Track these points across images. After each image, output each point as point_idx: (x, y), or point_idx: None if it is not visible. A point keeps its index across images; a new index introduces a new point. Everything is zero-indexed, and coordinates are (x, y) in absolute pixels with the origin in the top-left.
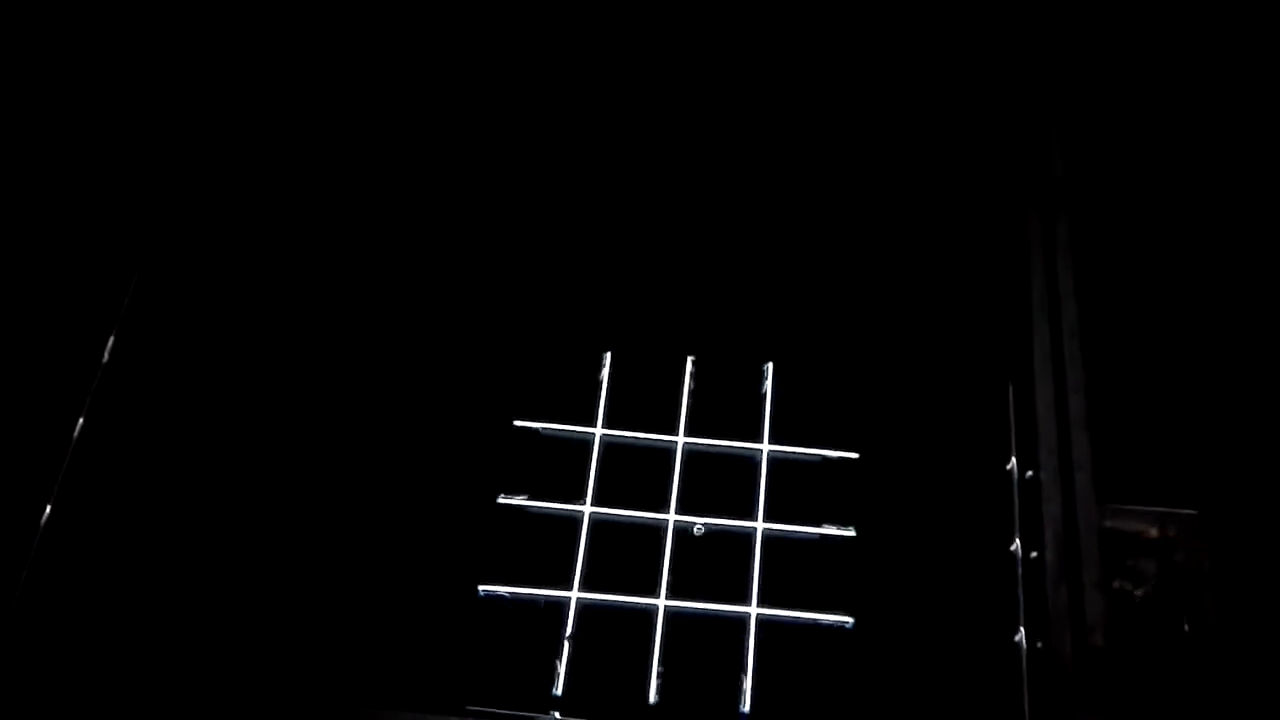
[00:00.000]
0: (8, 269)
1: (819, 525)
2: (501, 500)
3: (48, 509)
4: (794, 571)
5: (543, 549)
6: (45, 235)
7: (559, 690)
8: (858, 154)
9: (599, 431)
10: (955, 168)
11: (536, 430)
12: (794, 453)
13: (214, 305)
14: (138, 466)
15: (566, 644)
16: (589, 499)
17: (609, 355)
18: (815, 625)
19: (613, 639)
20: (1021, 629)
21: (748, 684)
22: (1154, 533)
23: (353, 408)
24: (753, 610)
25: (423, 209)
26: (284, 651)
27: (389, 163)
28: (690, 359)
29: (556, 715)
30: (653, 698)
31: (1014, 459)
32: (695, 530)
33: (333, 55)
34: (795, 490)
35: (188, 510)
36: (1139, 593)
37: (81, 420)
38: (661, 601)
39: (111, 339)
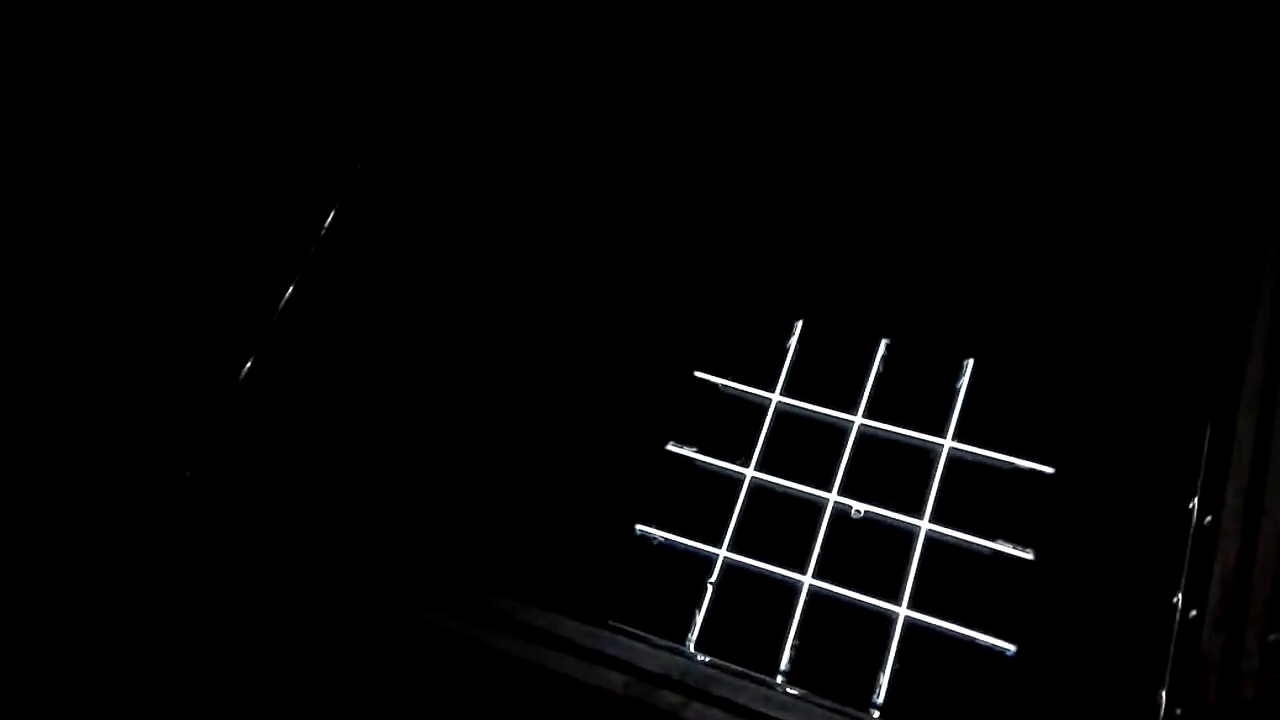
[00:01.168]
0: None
1: (992, 539)
2: (670, 448)
3: (248, 364)
4: (953, 579)
5: (702, 502)
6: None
7: (694, 636)
8: (1090, 152)
9: (776, 398)
10: (1193, 180)
11: (716, 385)
12: (979, 455)
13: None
14: (335, 357)
15: (710, 588)
16: (754, 463)
17: (800, 323)
18: (971, 643)
19: (753, 604)
20: (1164, 690)
21: (884, 679)
22: None
23: (540, 346)
24: (902, 610)
25: (630, 169)
26: (450, 553)
27: (606, 107)
28: (885, 341)
29: (692, 645)
30: (784, 665)
31: (1196, 500)
32: (854, 513)
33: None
34: (971, 496)
35: (373, 416)
36: None
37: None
38: (807, 579)
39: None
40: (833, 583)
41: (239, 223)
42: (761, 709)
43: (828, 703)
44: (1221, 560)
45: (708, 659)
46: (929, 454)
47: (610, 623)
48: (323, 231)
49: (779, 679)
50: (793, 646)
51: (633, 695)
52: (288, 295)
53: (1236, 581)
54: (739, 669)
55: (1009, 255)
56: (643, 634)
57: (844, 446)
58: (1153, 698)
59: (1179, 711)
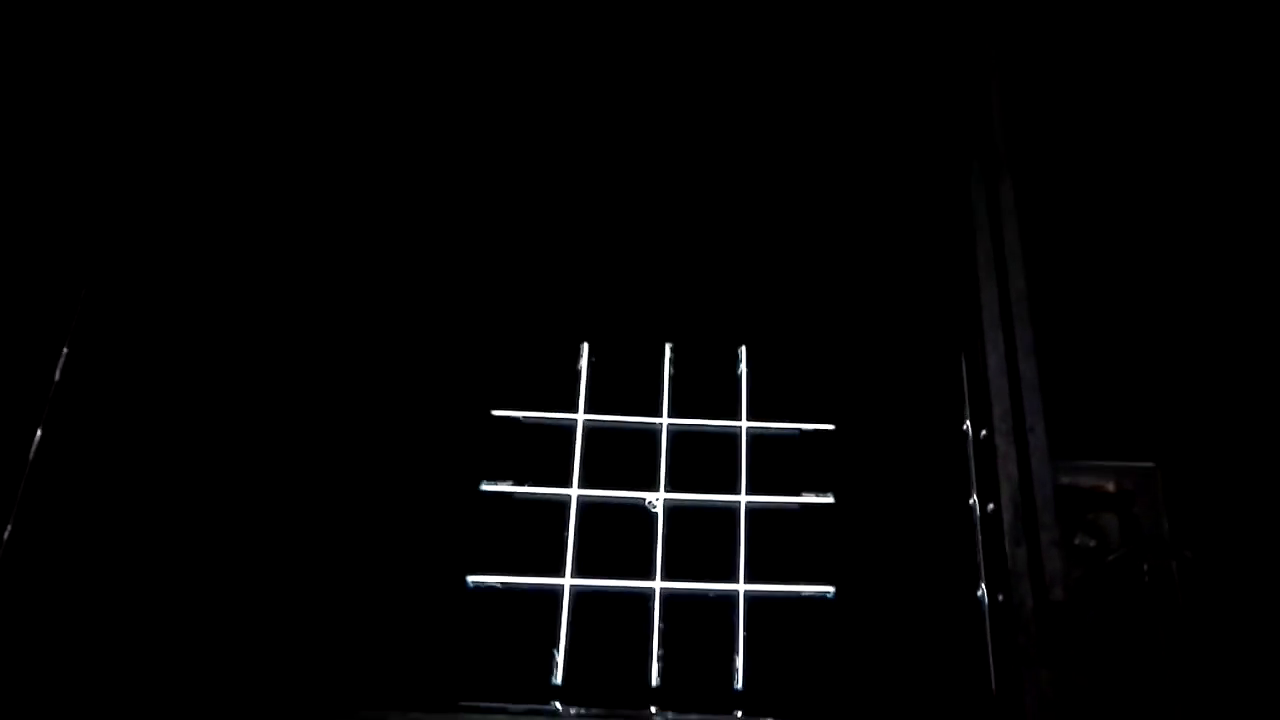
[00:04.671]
0: None
1: (799, 494)
2: (485, 487)
3: (8, 528)
4: (774, 541)
5: (531, 536)
6: None
7: (558, 679)
8: (796, 132)
9: (581, 417)
10: (898, 134)
11: (517, 419)
12: (771, 428)
13: (173, 300)
14: (102, 472)
15: (564, 622)
16: (575, 482)
17: (586, 345)
18: (798, 597)
19: (608, 624)
20: (983, 584)
21: (739, 662)
22: (1111, 486)
23: (327, 404)
24: (740, 587)
25: (391, 203)
26: (266, 653)
27: (355, 150)
28: (669, 345)
29: (558, 705)
30: (655, 680)
31: (968, 421)
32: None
33: (289, 37)
34: (775, 465)
35: (157, 514)
36: (1095, 544)
37: (40, 433)
38: (657, 584)
39: (65, 350)
40: (679, 580)
41: None
42: None
43: (703, 717)
44: (1005, 478)
45: (581, 711)
46: (733, 437)
47: (465, 703)
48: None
49: (652, 709)
50: (659, 659)
51: None
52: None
53: (1023, 495)
54: (614, 713)
55: (756, 243)
56: (507, 706)
57: (659, 449)
58: (973, 595)
59: (1000, 598)
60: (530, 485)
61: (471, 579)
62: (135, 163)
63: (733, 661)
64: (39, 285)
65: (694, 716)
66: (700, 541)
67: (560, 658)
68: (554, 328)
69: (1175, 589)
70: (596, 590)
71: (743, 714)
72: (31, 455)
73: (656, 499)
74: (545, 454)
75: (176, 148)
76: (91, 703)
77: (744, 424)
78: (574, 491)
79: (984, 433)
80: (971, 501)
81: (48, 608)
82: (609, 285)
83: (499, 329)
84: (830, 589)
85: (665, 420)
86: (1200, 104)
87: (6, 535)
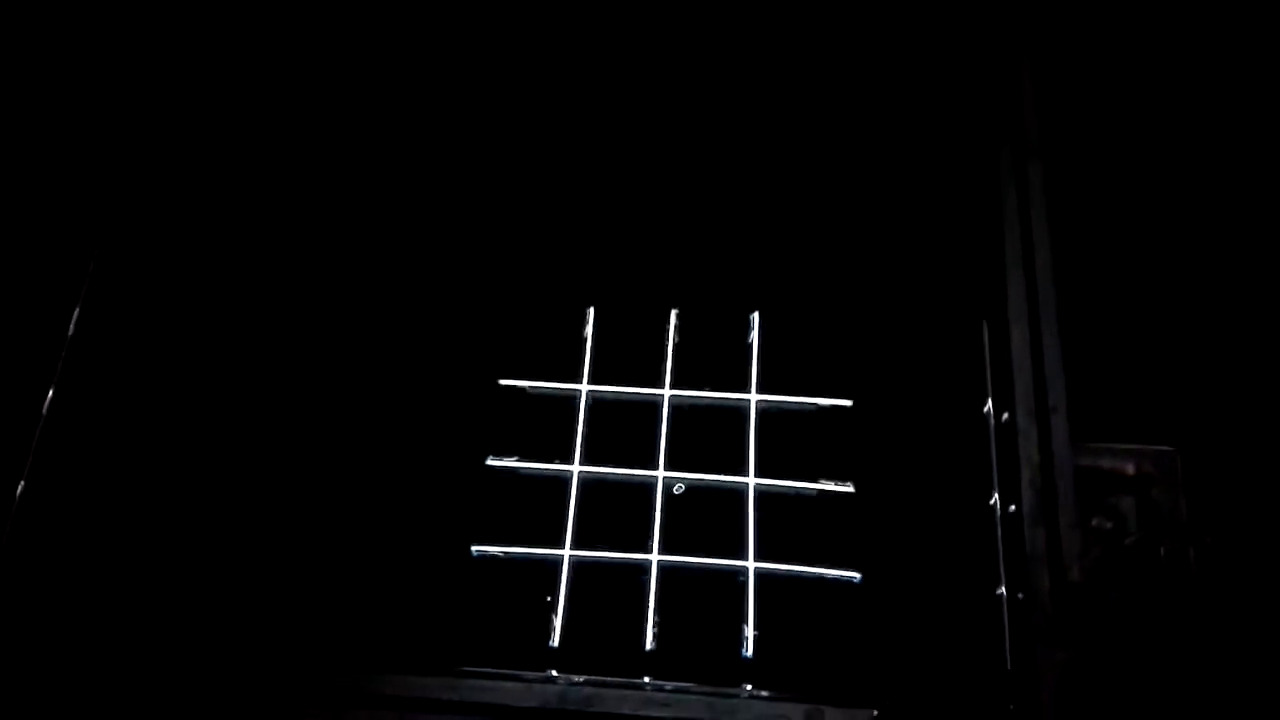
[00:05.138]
0: None
1: (813, 480)
2: (490, 462)
3: (20, 484)
4: (788, 522)
5: (534, 508)
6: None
7: (555, 642)
8: (831, 100)
9: (585, 388)
10: (929, 109)
11: (523, 389)
12: (784, 402)
13: (181, 272)
14: (113, 433)
15: (562, 591)
16: (577, 458)
17: (592, 311)
18: (819, 579)
19: (608, 595)
20: (1003, 580)
21: (749, 631)
22: (1130, 469)
23: (332, 377)
24: (750, 564)
25: (398, 171)
26: (272, 617)
27: (362, 119)
28: (674, 311)
29: (554, 673)
30: (649, 645)
31: (990, 402)
32: (676, 489)
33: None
34: (786, 440)
35: (165, 481)
36: (1113, 526)
37: (51, 393)
38: (655, 557)
39: (77, 311)
40: (681, 554)
41: None
42: (641, 713)
43: (706, 688)
44: (1025, 460)
45: (580, 679)
46: (740, 411)
47: (467, 668)
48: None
49: (646, 680)
50: (655, 625)
51: None
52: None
53: (1043, 478)
54: (612, 679)
55: (772, 206)
56: (506, 671)
57: (660, 421)
58: (993, 592)
59: (1020, 596)
60: (534, 459)
61: (475, 548)
62: (143, 130)
63: (742, 631)
64: (50, 254)
65: (706, 688)
66: (706, 519)
67: (557, 626)
68: (558, 294)
69: (1192, 573)
70: (595, 562)
71: (749, 685)
72: (44, 413)
73: (662, 478)
74: (550, 422)
75: (183, 116)
76: (101, 653)
77: (754, 397)
78: (576, 468)
79: (1005, 415)
80: (992, 482)
81: (59, 560)
82: (613, 250)
83: (504, 292)
84: (856, 574)
85: (668, 391)
86: (1231, 90)
87: (19, 492)
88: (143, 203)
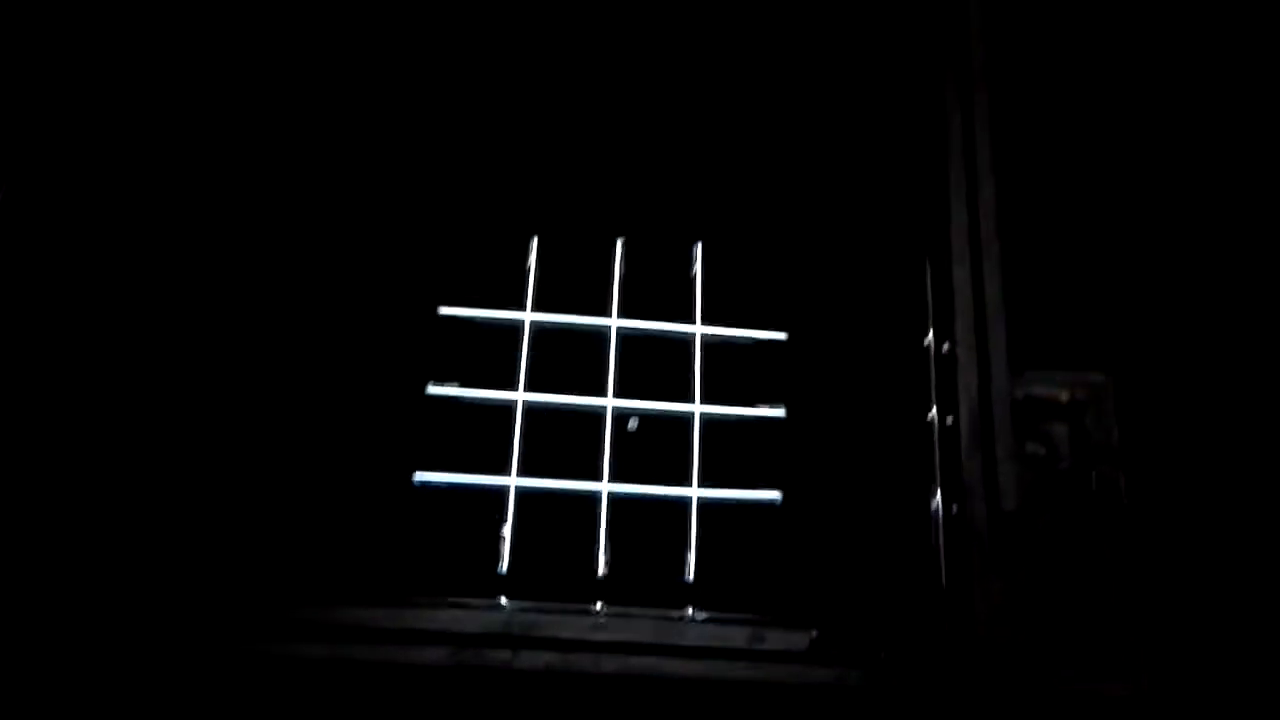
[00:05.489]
0: None
1: (752, 405)
2: (432, 390)
3: None
4: (729, 450)
5: (478, 437)
6: None
7: (504, 568)
8: (773, 26)
9: (529, 316)
10: (872, 35)
11: (464, 317)
12: (726, 335)
13: (103, 189)
14: (47, 363)
15: (509, 518)
16: (521, 385)
17: (536, 240)
18: (755, 503)
19: (557, 524)
20: (938, 494)
21: (691, 557)
22: (1064, 397)
23: (269, 303)
24: (694, 492)
25: (335, 89)
26: (212, 549)
27: (299, 40)
28: (620, 240)
29: (504, 600)
30: (601, 570)
31: (931, 333)
32: (630, 425)
33: None
34: (728, 371)
35: (97, 412)
36: (1046, 453)
37: None
38: (605, 486)
39: None
40: (628, 483)
41: None
42: (586, 637)
43: (650, 612)
44: (964, 391)
45: (526, 604)
46: (685, 342)
47: (415, 598)
48: None
49: (598, 605)
50: (606, 551)
51: (460, 663)
52: None
53: (980, 409)
54: (557, 606)
55: (718, 135)
56: (453, 599)
57: (608, 351)
58: (926, 510)
59: (955, 509)
60: (479, 387)
61: (418, 476)
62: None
63: (684, 556)
64: None
65: (650, 611)
66: (651, 446)
67: (506, 551)
68: (502, 221)
69: (1122, 499)
70: (543, 491)
71: (693, 608)
72: None
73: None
74: (492, 352)
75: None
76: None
77: (699, 329)
78: (520, 396)
79: (946, 345)
80: (930, 414)
81: None
82: (557, 178)
83: (446, 217)
84: (778, 494)
85: (615, 321)
86: (1183, 18)
87: None
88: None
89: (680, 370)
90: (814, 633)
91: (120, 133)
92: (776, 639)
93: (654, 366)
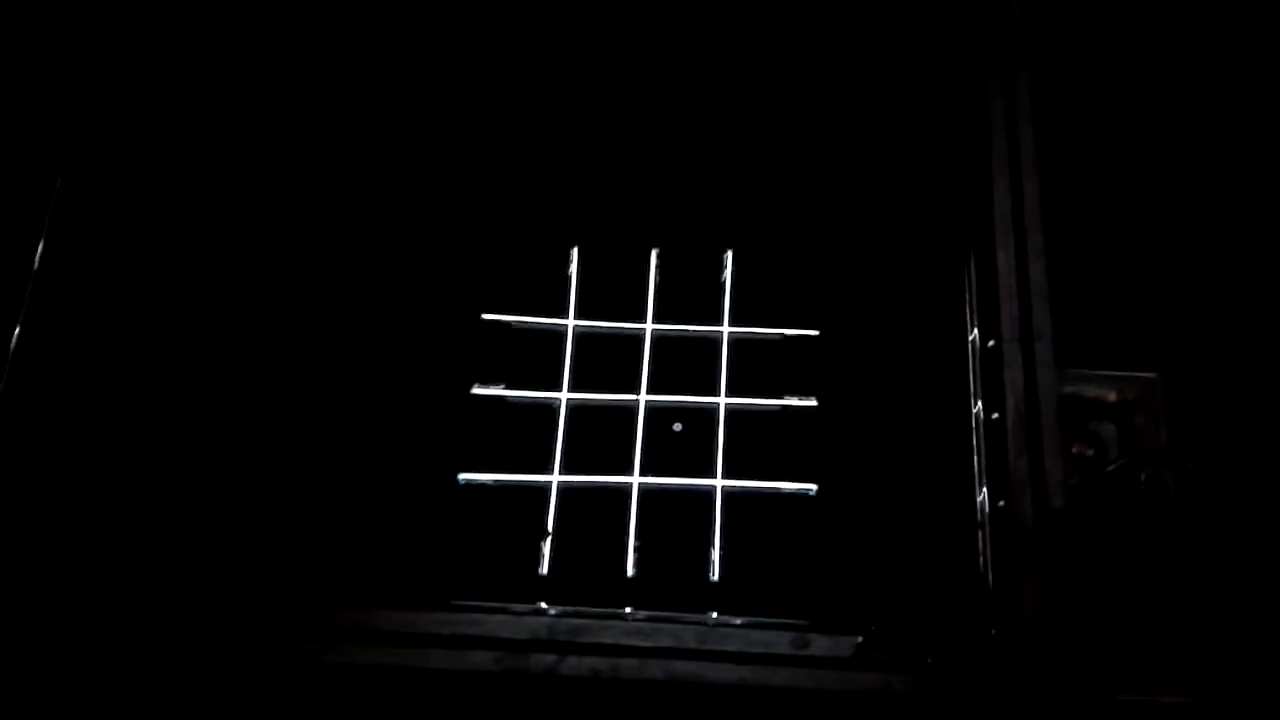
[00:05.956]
0: None
1: (781, 398)
2: (476, 390)
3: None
4: (760, 444)
5: (520, 437)
6: None
7: (545, 570)
8: (805, 24)
9: (571, 322)
10: (909, 26)
11: (508, 323)
12: (755, 333)
13: (160, 204)
14: (86, 363)
15: (550, 521)
16: (565, 386)
17: (576, 250)
18: (778, 494)
19: (593, 518)
20: (984, 490)
21: (715, 555)
22: (1112, 396)
23: (316, 309)
24: (718, 483)
25: (384, 106)
26: (259, 550)
27: (345, 57)
28: (655, 251)
29: (543, 605)
30: (630, 571)
31: (975, 329)
32: (675, 428)
33: None
34: (760, 369)
35: (141, 413)
36: (1093, 453)
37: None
38: (635, 479)
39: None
40: (659, 476)
41: None
42: (630, 642)
43: (691, 617)
44: (1010, 387)
45: (570, 609)
46: (714, 342)
47: (459, 602)
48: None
49: (627, 610)
50: (635, 549)
51: (507, 668)
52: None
53: (1027, 406)
54: (598, 610)
55: (749, 143)
56: (498, 605)
57: (642, 354)
58: (969, 510)
59: (1001, 504)
60: (520, 389)
61: (462, 476)
62: (112, 57)
63: (709, 553)
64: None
65: (689, 616)
66: (681, 442)
67: (547, 550)
68: (545, 234)
69: (1171, 499)
70: (582, 486)
71: (716, 614)
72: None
73: (644, 402)
74: (535, 357)
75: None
76: (75, 587)
77: (726, 329)
78: (564, 395)
79: (991, 341)
80: (975, 409)
81: (37, 481)
82: (596, 192)
83: (491, 228)
84: (813, 487)
85: (650, 326)
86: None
87: None
88: (109, 136)
89: (710, 369)
90: (860, 638)
91: (171, 142)
92: (821, 644)
93: (687, 367)
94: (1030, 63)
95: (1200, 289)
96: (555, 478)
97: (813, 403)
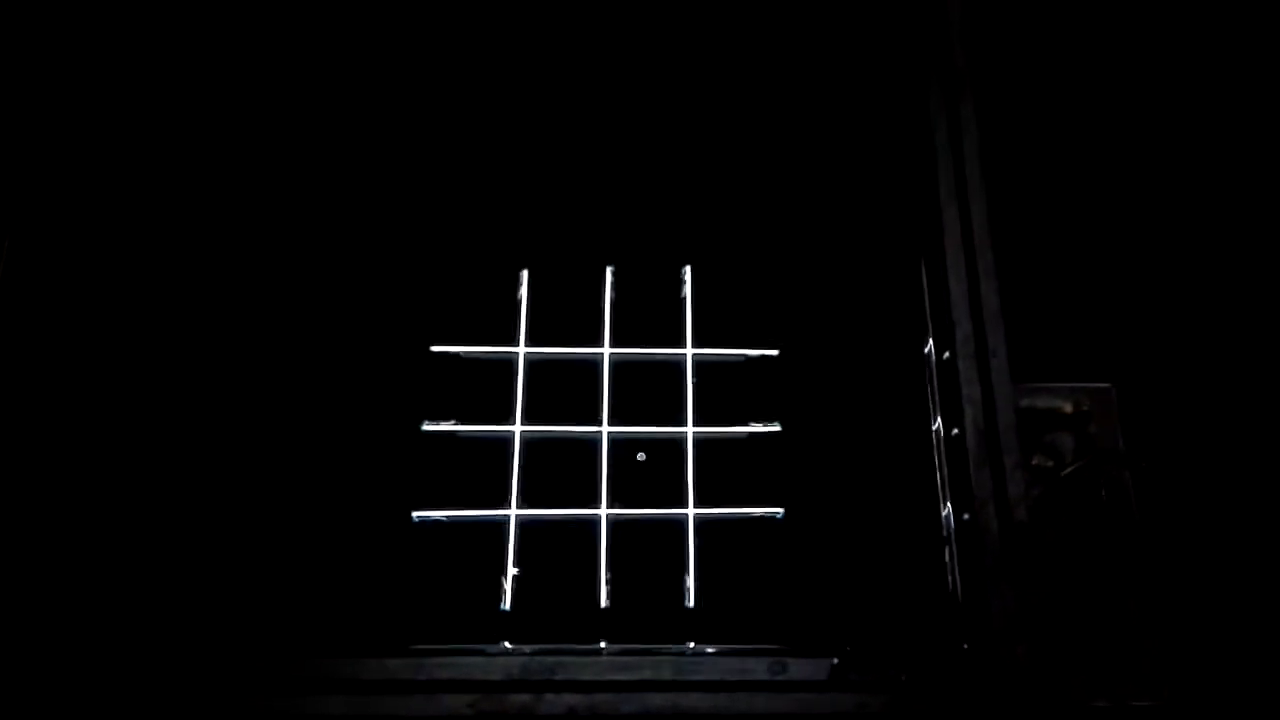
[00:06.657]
0: None
1: (746, 424)
2: (427, 427)
3: None
4: (726, 469)
5: (474, 473)
6: None
7: (507, 605)
8: (755, 42)
9: (522, 350)
10: (855, 48)
11: (456, 354)
12: (717, 354)
13: (102, 237)
14: (37, 414)
15: (511, 553)
16: (518, 418)
17: (526, 273)
18: (747, 519)
19: (558, 553)
20: (949, 505)
21: (690, 582)
22: (1068, 408)
23: (262, 346)
24: (690, 511)
25: (325, 129)
26: (210, 600)
27: (291, 75)
28: (609, 269)
29: (507, 645)
30: (604, 603)
31: (930, 342)
32: (639, 457)
33: None
34: (722, 391)
35: (91, 458)
36: (1053, 465)
37: None
38: (603, 511)
39: None
40: (626, 507)
41: None
42: (606, 677)
43: (668, 648)
44: (968, 403)
45: (545, 647)
46: (677, 365)
47: (419, 646)
48: None
49: (602, 644)
50: (607, 581)
51: (483, 711)
52: None
53: (985, 420)
54: (572, 647)
55: (703, 156)
56: (464, 646)
57: (601, 378)
58: (933, 527)
59: (966, 517)
60: (473, 422)
61: (416, 514)
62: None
63: (684, 581)
64: None
65: (665, 646)
66: (647, 470)
67: (509, 586)
68: (491, 257)
69: (1131, 502)
70: (543, 520)
71: (693, 642)
72: None
73: (606, 433)
74: (487, 387)
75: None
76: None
77: (689, 351)
78: (517, 428)
79: (946, 355)
80: (935, 426)
81: None
82: (545, 210)
83: (435, 254)
84: (780, 510)
85: (607, 350)
86: (1168, 18)
87: None
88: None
89: (674, 392)
90: (835, 659)
91: (125, 166)
92: (798, 669)
93: (648, 390)
94: (973, 82)
95: (1150, 297)
96: (513, 512)
97: (776, 428)
